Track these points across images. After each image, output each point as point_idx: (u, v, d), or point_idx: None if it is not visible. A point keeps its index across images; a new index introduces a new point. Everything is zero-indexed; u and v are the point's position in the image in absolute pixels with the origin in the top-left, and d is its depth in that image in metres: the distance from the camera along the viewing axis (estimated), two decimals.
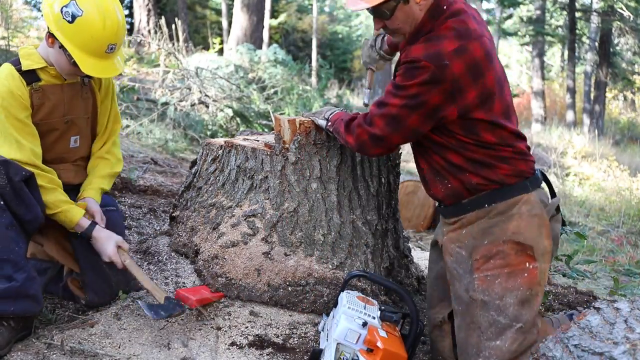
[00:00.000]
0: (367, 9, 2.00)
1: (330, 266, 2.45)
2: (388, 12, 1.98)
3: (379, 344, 1.87)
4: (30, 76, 2.20)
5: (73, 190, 2.36)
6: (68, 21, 2.06)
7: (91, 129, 2.46)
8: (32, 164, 2.11)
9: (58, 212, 2.16)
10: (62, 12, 2.06)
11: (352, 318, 1.94)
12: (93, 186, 2.38)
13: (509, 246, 2.01)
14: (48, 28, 2.11)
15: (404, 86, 1.93)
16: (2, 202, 1.97)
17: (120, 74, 7.18)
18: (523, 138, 2.09)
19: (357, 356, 1.88)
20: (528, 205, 2.03)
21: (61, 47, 2.11)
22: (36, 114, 2.21)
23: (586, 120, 18.03)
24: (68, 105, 2.31)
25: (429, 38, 1.96)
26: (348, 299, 2.07)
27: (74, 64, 2.10)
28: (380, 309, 2.07)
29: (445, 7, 2.00)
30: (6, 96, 2.10)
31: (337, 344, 1.89)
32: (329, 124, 2.34)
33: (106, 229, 2.28)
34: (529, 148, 2.11)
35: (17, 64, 2.20)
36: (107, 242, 2.20)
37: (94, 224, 2.23)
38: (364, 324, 1.91)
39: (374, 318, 1.99)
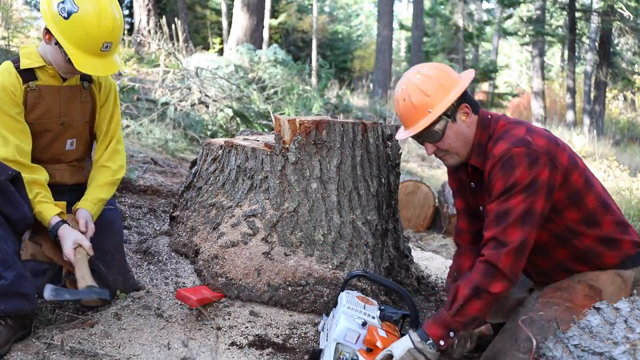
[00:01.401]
0: (419, 134, 2.02)
1: (330, 266, 2.45)
2: (440, 132, 2.02)
3: (378, 343, 1.87)
4: (28, 75, 2.19)
5: (69, 190, 2.36)
6: (64, 17, 2.05)
7: (90, 132, 2.44)
8: (15, 160, 2.11)
9: (36, 212, 2.15)
10: (58, 8, 2.06)
11: (352, 318, 1.94)
12: (88, 197, 2.34)
13: (581, 286, 2.01)
14: (45, 24, 2.11)
15: (515, 181, 1.89)
16: None
17: (121, 74, 7.19)
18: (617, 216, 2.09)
19: (357, 356, 1.88)
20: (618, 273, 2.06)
21: (57, 43, 2.10)
22: (30, 113, 2.21)
23: (586, 120, 18.02)
24: (64, 107, 2.29)
25: (498, 138, 2.00)
26: (348, 299, 2.07)
27: (69, 61, 2.10)
28: (380, 309, 2.07)
29: (489, 117, 2.08)
30: (0, 90, 2.11)
31: (337, 343, 1.89)
32: (454, 328, 1.89)
33: (93, 234, 2.24)
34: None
35: (16, 61, 2.20)
36: (67, 240, 2.14)
37: (61, 222, 2.17)
38: (364, 324, 1.91)
39: (373, 318, 1.99)
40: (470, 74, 2.10)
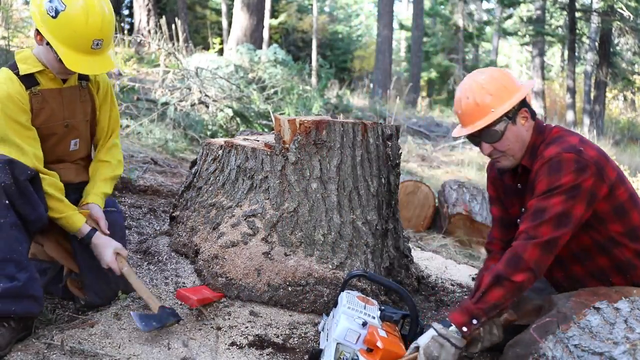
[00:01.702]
0: (476, 133, 2.08)
1: (330, 266, 2.45)
2: (500, 133, 2.07)
3: (378, 343, 1.87)
4: (29, 80, 2.17)
5: (73, 189, 2.36)
6: (52, 16, 2.03)
7: (90, 131, 2.45)
8: (35, 168, 2.10)
9: (61, 217, 2.17)
10: (46, 7, 2.03)
11: (352, 318, 1.94)
12: (96, 191, 2.36)
13: (618, 296, 1.99)
14: (35, 24, 2.09)
15: (558, 184, 1.94)
16: (7, 201, 1.95)
17: (121, 74, 7.19)
18: None
19: (357, 356, 1.88)
20: None
21: (48, 43, 2.08)
22: (36, 119, 2.19)
23: (586, 120, 18.01)
24: (67, 109, 2.29)
25: (550, 142, 2.07)
26: (348, 299, 2.07)
27: (61, 60, 2.08)
28: (380, 309, 2.07)
29: (544, 124, 2.16)
30: (5, 101, 2.07)
31: (337, 343, 1.89)
32: (476, 315, 1.93)
33: (108, 233, 2.28)
34: None
35: (14, 68, 2.17)
36: (106, 249, 2.20)
37: (93, 230, 2.23)
38: (364, 324, 1.91)
39: (373, 318, 1.99)
40: (531, 82, 2.18)
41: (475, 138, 2.12)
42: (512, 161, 2.15)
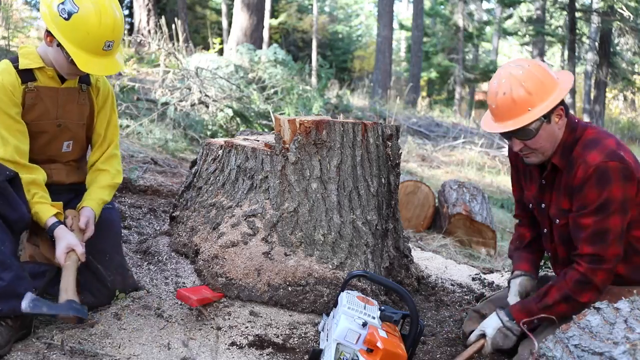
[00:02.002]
0: (512, 130, 2.01)
1: (330, 266, 2.45)
2: (534, 131, 2.01)
3: (378, 344, 1.87)
4: (26, 75, 2.19)
5: (66, 190, 2.36)
6: (64, 18, 2.05)
7: (86, 135, 2.44)
8: (13, 161, 2.10)
9: (32, 212, 2.14)
10: (58, 9, 2.06)
11: (352, 318, 1.94)
12: (93, 197, 2.34)
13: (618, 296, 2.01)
14: (46, 26, 2.11)
15: (610, 197, 1.94)
16: None
17: (120, 74, 7.19)
18: None
19: (357, 356, 1.88)
20: None
21: (59, 45, 2.10)
22: (27, 114, 2.20)
23: (586, 120, 18.02)
24: (62, 109, 2.29)
25: (588, 145, 2.02)
26: (348, 299, 2.07)
27: (72, 62, 2.09)
28: (380, 309, 2.07)
29: (577, 120, 2.11)
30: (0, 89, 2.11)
31: (337, 344, 1.89)
32: (538, 315, 2.02)
33: (93, 236, 2.25)
34: None
35: (15, 61, 2.19)
36: (60, 242, 2.13)
37: (58, 223, 2.16)
38: (364, 324, 1.91)
39: (373, 318, 1.99)
40: (569, 77, 2.07)
41: (507, 133, 2.05)
42: (541, 158, 2.10)
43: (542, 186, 2.19)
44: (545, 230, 2.23)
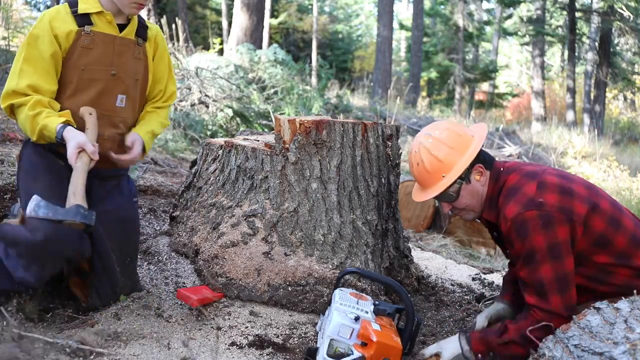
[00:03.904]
0: (435, 197, 2.08)
1: (330, 266, 2.45)
2: (454, 195, 2.08)
3: (372, 337, 1.87)
4: (83, 19, 2.18)
5: (111, 177, 2.33)
6: None
7: (140, 94, 2.38)
8: (24, 93, 2.07)
9: (39, 129, 2.05)
10: None
11: (345, 313, 1.95)
12: (143, 127, 2.32)
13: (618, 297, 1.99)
14: None
15: (533, 248, 1.91)
16: None
17: None
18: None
19: (352, 351, 1.88)
20: None
21: None
22: (81, 58, 2.17)
23: (586, 120, 18.03)
24: (117, 58, 2.25)
25: (507, 195, 2.01)
26: (340, 296, 2.08)
27: None
28: (373, 304, 2.07)
29: (501, 169, 2.11)
30: (42, 26, 2.11)
31: (331, 339, 1.90)
32: (495, 352, 2.01)
33: (120, 234, 2.27)
34: None
35: (74, 5, 2.19)
36: (70, 142, 2.02)
37: (66, 125, 2.05)
38: (357, 319, 1.92)
39: (367, 312, 1.99)
40: (482, 131, 2.11)
41: (438, 199, 2.12)
42: (473, 215, 2.16)
43: (497, 239, 2.24)
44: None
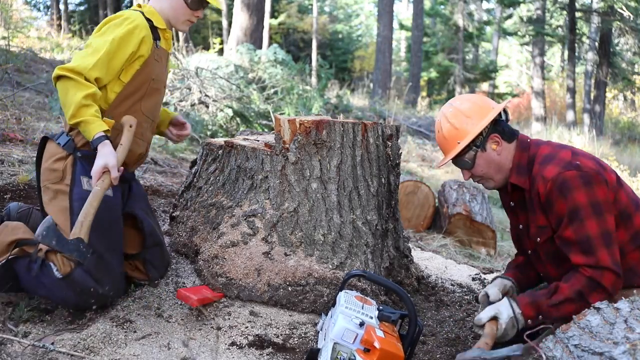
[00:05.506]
0: (453, 161, 2.21)
1: (330, 266, 2.45)
2: (470, 162, 2.18)
3: (375, 343, 1.87)
4: (156, 33, 2.32)
5: (131, 177, 2.51)
6: None
7: None
8: (82, 73, 2.09)
9: (81, 120, 2.07)
10: None
11: (350, 318, 1.94)
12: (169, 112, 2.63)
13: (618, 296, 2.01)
14: None
15: (576, 205, 1.97)
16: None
17: None
18: None
19: (354, 356, 1.88)
20: None
21: None
22: (154, 69, 2.32)
23: (586, 120, 18.03)
24: (165, 72, 2.46)
25: (543, 161, 2.09)
26: (346, 299, 2.07)
27: (190, 5, 2.28)
28: (378, 309, 2.07)
29: (529, 140, 2.21)
30: (131, 28, 2.20)
31: (334, 343, 1.89)
32: (545, 315, 2.02)
33: (153, 220, 2.46)
34: None
35: (146, 17, 2.30)
36: (99, 159, 2.07)
37: (105, 137, 2.09)
38: (361, 324, 1.91)
39: (371, 318, 1.99)
40: (501, 104, 2.21)
41: (456, 164, 2.23)
42: (493, 183, 2.24)
43: (513, 208, 2.27)
44: (530, 251, 2.25)
